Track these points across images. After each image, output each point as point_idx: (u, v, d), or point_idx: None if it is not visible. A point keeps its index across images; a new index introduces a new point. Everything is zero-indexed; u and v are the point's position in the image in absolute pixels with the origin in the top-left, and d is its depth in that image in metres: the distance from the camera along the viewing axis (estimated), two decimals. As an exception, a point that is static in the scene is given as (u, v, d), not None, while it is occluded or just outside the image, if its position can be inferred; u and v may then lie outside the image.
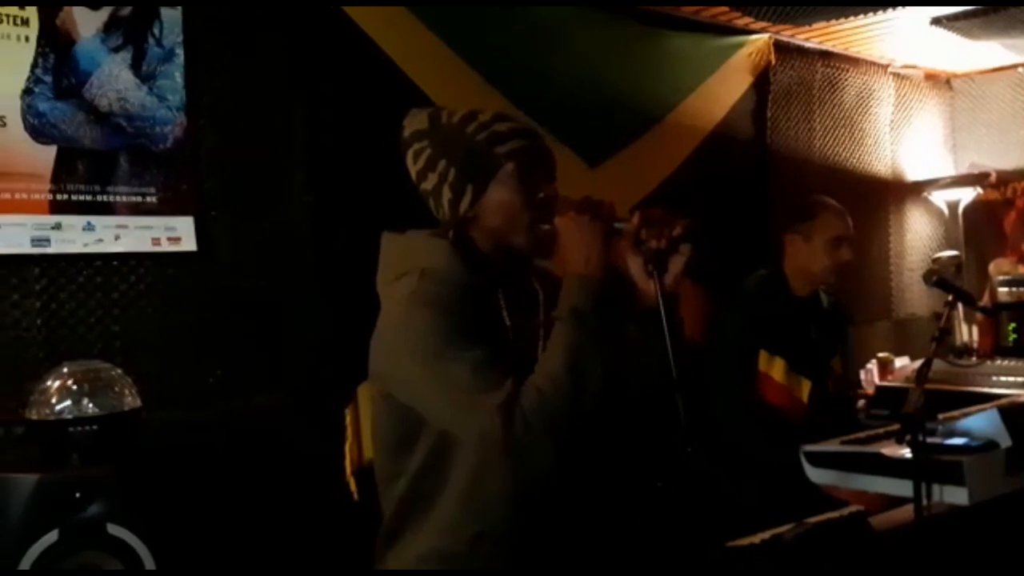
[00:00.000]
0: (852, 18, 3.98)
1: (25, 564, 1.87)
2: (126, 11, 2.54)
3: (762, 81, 4.24)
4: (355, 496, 2.84)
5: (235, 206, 2.75)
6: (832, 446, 2.15)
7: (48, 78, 2.41)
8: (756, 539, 1.83)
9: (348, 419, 2.88)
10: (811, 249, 2.80)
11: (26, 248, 2.37)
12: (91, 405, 2.03)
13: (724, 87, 4.04)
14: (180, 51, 2.63)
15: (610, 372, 1.61)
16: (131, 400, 2.11)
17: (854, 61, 4.76)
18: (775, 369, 2.78)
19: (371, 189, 2.90)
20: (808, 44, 4.46)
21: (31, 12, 2.38)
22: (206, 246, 2.66)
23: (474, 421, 1.54)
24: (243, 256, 2.75)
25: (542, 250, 1.78)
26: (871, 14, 3.91)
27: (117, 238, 2.51)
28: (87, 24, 2.47)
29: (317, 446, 2.80)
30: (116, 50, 2.52)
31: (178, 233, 2.62)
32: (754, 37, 4.15)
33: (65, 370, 2.10)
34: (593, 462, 1.84)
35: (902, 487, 1.85)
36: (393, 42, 2.93)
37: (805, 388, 2.80)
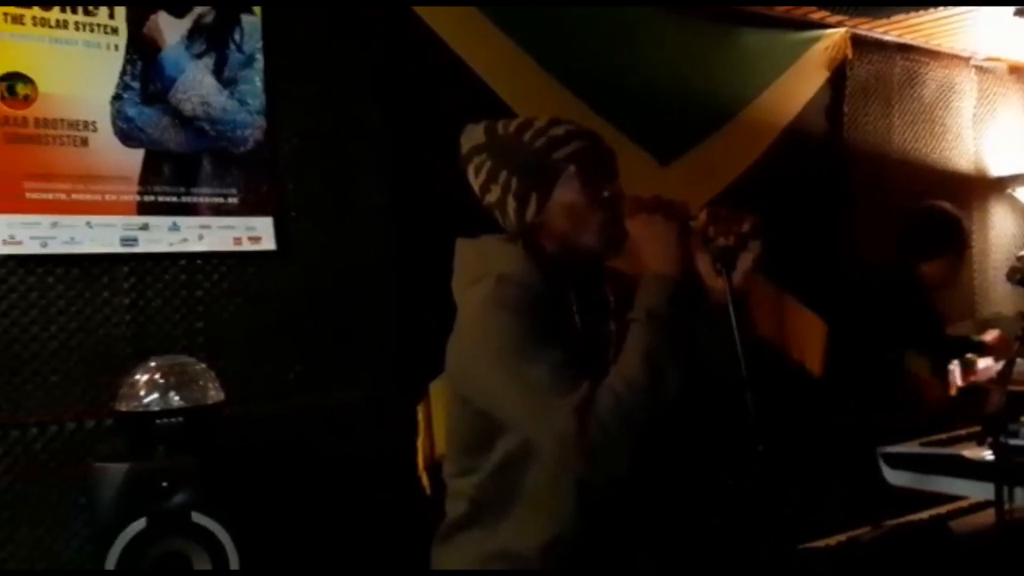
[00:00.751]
0: (932, 11, 3.87)
1: (116, 549, 1.96)
2: (209, 18, 2.63)
3: (838, 76, 4.15)
4: (427, 490, 2.89)
5: (313, 207, 2.82)
6: (911, 448, 2.11)
7: (136, 84, 2.51)
8: (831, 541, 1.81)
9: (420, 415, 2.93)
10: (951, 265, 2.87)
11: (116, 248, 2.47)
12: (177, 398, 2.11)
13: (799, 83, 3.97)
14: (260, 56, 2.71)
15: (685, 373, 1.61)
16: (214, 394, 2.19)
17: (934, 54, 4.63)
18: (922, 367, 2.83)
19: (445, 190, 2.94)
20: (886, 38, 4.36)
21: (120, 22, 2.48)
22: (285, 246, 2.74)
23: (550, 424, 1.54)
24: (320, 256, 2.82)
25: (612, 249, 1.78)
26: (952, 7, 3.81)
27: (201, 238, 2.60)
28: (172, 32, 2.57)
29: (391, 441, 2.86)
30: (199, 56, 2.61)
31: (258, 233, 2.70)
32: (830, 31, 4.08)
33: (152, 364, 2.19)
34: (667, 465, 1.84)
35: (983, 490, 1.81)
36: (465, 44, 2.96)
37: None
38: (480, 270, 1.71)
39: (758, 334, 1.75)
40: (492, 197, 1.76)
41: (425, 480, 2.88)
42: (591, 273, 1.83)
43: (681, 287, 1.63)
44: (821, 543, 1.83)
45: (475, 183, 1.79)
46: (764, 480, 1.73)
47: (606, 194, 1.72)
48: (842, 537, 1.84)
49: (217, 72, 2.64)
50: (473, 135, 1.79)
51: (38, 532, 2.35)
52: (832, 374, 3.41)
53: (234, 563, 2.02)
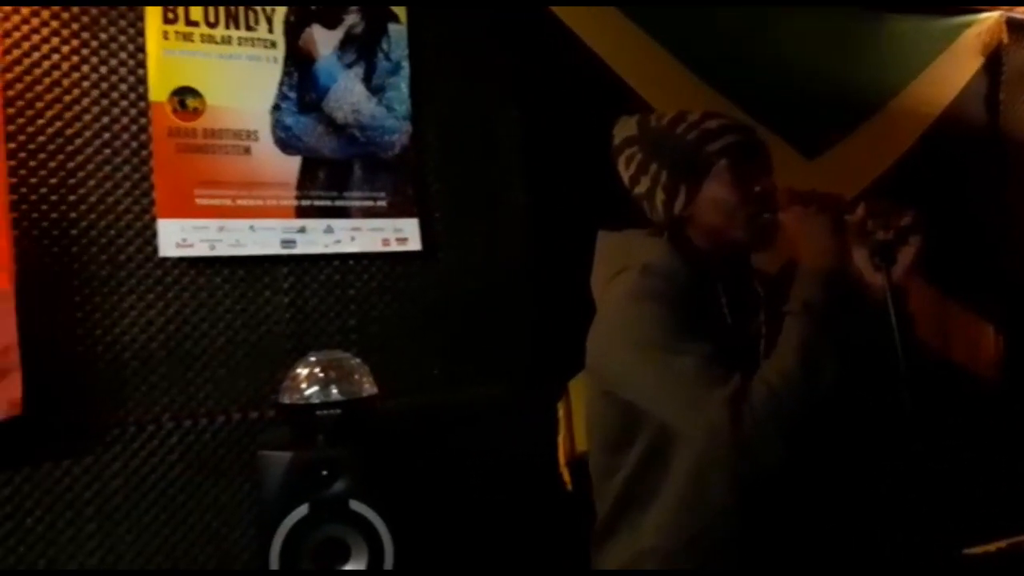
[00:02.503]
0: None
1: (280, 534, 2.07)
2: (358, 29, 2.74)
3: (993, 62, 3.93)
4: (568, 486, 2.92)
5: (456, 208, 2.90)
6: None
7: (293, 95, 2.65)
8: (992, 547, 1.73)
9: (561, 412, 2.96)
10: None
11: (276, 249, 2.61)
12: (335, 391, 2.21)
13: (951, 70, 3.78)
14: (406, 63, 2.80)
15: (841, 368, 1.58)
16: (369, 387, 2.28)
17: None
18: None
19: (584, 189, 2.97)
20: (1047, 20, 4.10)
21: (278, 35, 2.62)
22: (430, 246, 2.82)
23: (700, 416, 1.53)
24: (463, 255, 2.89)
25: (762, 245, 1.77)
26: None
27: (353, 239, 2.72)
28: (325, 43, 2.69)
29: (532, 437, 2.91)
30: (350, 66, 2.73)
31: (405, 234, 2.79)
32: (983, 16, 3.87)
33: (312, 359, 2.30)
34: (822, 461, 1.80)
35: None
36: (602, 41, 2.97)
37: None
38: (624, 262, 1.72)
39: (918, 333, 1.69)
40: (641, 189, 1.77)
41: (566, 476, 2.91)
42: (739, 267, 1.82)
43: (838, 280, 1.60)
44: (984, 548, 1.75)
45: (625, 174, 1.80)
46: (920, 482, 1.68)
47: (758, 189, 1.71)
48: (1002, 543, 1.76)
49: (366, 80, 2.75)
50: (625, 127, 1.81)
51: (207, 518, 2.50)
52: (1009, 380, 3.25)
53: (389, 551, 2.10)
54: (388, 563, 2.10)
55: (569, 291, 2.13)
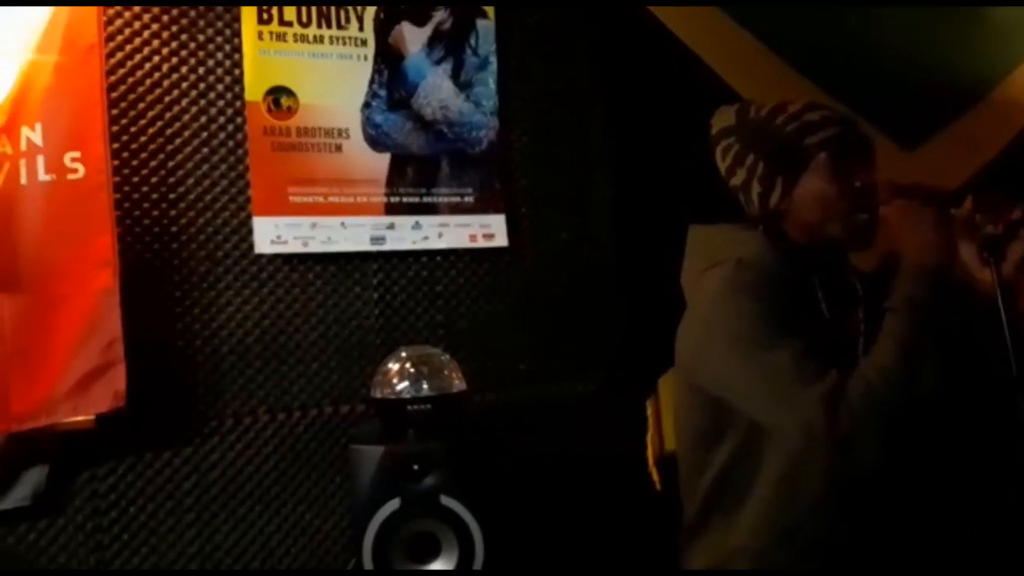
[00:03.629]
0: None
1: (373, 527, 2.09)
2: (447, 25, 2.75)
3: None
4: (657, 486, 2.88)
5: (543, 204, 2.89)
6: None
7: (383, 92, 2.67)
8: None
9: (649, 411, 2.92)
10: None
11: (366, 246, 2.65)
12: (426, 386, 2.22)
13: (1057, 57, 3.61)
14: (493, 59, 2.81)
15: (945, 366, 1.52)
16: (459, 383, 2.29)
17: None
18: None
19: (671, 185, 2.93)
20: None
21: (368, 33, 2.65)
22: (517, 242, 2.82)
23: (794, 413, 1.50)
24: (549, 251, 2.89)
25: (860, 240, 1.71)
26: None
27: (440, 235, 2.73)
28: (414, 40, 2.71)
29: (620, 435, 2.88)
30: (438, 62, 2.75)
31: (492, 230, 2.80)
32: (1094, -2, 3.68)
33: (403, 354, 2.32)
34: (923, 463, 1.74)
35: None
36: (697, 36, 2.93)
37: None
38: (717, 255, 1.69)
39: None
40: (737, 180, 1.74)
41: (655, 476, 2.88)
42: (836, 262, 1.77)
43: (943, 276, 1.55)
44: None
45: (721, 165, 1.77)
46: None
47: (858, 184, 1.66)
48: None
49: (454, 76, 2.76)
50: (723, 117, 1.77)
51: (301, 508, 2.55)
52: None
53: (479, 546, 2.11)
54: (478, 559, 2.10)
55: (658, 287, 2.10)
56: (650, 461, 2.90)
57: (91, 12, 2.24)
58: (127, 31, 2.42)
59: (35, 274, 2.20)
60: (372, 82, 2.66)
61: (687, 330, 1.75)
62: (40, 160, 2.19)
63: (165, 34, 2.46)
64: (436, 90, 2.73)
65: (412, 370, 2.25)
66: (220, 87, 2.52)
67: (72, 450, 2.31)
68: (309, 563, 2.54)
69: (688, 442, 1.82)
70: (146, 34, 2.44)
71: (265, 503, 2.51)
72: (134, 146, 2.42)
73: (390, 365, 2.29)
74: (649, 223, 2.90)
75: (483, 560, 2.11)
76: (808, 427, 1.48)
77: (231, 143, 2.53)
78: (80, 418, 2.27)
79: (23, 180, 2.18)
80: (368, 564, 2.10)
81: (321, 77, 2.60)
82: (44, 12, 2.21)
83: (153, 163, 2.45)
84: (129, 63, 2.42)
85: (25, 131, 2.19)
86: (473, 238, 2.77)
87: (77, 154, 2.21)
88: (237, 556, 2.47)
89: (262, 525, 2.50)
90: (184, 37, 2.48)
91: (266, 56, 2.54)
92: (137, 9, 2.42)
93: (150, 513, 2.40)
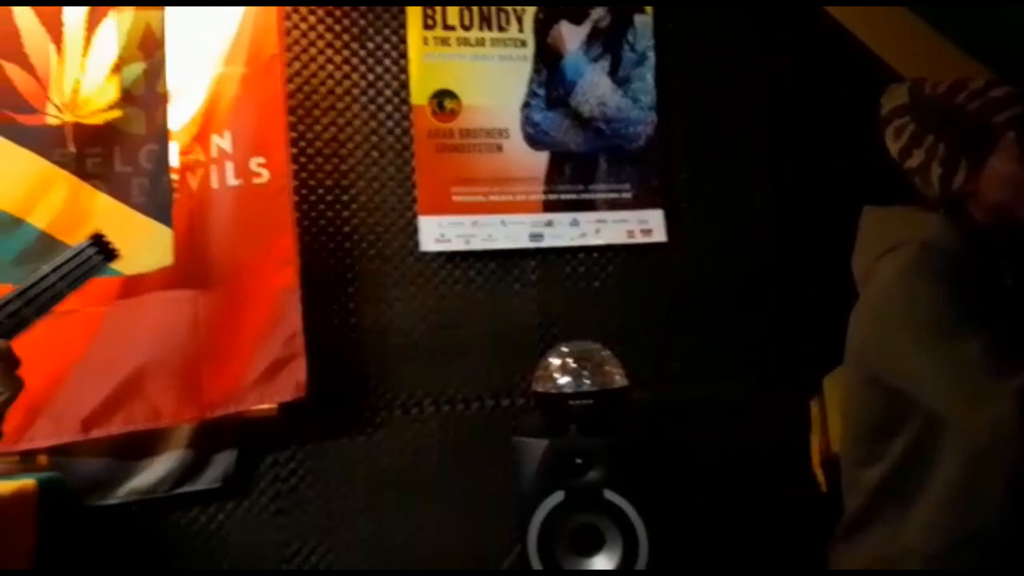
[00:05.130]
0: None
1: (537, 519, 2.14)
2: (604, 22, 2.77)
3: None
4: (822, 487, 2.81)
5: (702, 199, 2.86)
6: None
7: (542, 91, 2.72)
8: None
9: (814, 410, 2.85)
10: None
11: (525, 243, 2.70)
12: (588, 382, 2.25)
13: None
14: (651, 54, 2.80)
15: None
16: (620, 379, 2.30)
17: None
18: None
19: (834, 172, 2.85)
20: None
21: (528, 34, 2.70)
22: (675, 237, 2.80)
23: (984, 408, 1.42)
24: (709, 246, 2.85)
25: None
26: None
27: (598, 232, 2.75)
28: (572, 39, 2.74)
29: (783, 434, 2.83)
30: (596, 59, 2.76)
31: (650, 225, 2.79)
32: None
33: (564, 349, 2.36)
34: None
35: None
36: (863, 24, 2.82)
37: None
38: (896, 238, 1.61)
39: None
40: (913, 162, 1.65)
41: (820, 477, 2.81)
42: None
43: None
44: None
45: (893, 147, 1.69)
46: None
47: None
48: None
49: (612, 72, 2.77)
50: (895, 95, 1.69)
51: (464, 499, 2.63)
52: None
53: (643, 541, 2.12)
54: (642, 553, 2.11)
55: (823, 280, 2.04)
56: (815, 462, 2.83)
57: (272, 26, 2.38)
58: (303, 41, 2.55)
59: (225, 272, 2.36)
60: (531, 82, 2.71)
61: (861, 317, 1.67)
62: (229, 166, 2.35)
63: (337, 43, 2.58)
64: (594, 87, 2.75)
65: (574, 365, 2.28)
66: (388, 92, 2.62)
67: (256, 436, 2.47)
68: (473, 550, 2.61)
69: (854, 434, 1.73)
70: (320, 44, 2.57)
71: (431, 492, 2.61)
72: (310, 151, 2.56)
73: (551, 360, 2.33)
74: (812, 215, 2.83)
75: (647, 555, 2.11)
76: (998, 424, 1.39)
77: (398, 146, 2.63)
78: (264, 406, 2.42)
79: (214, 185, 2.35)
80: (532, 554, 2.15)
81: (482, 79, 2.67)
82: (230, 27, 2.37)
83: (327, 167, 2.58)
84: (305, 72, 2.56)
85: (215, 139, 2.35)
86: (631, 234, 2.78)
87: (262, 159, 2.36)
88: (406, 542, 2.58)
89: (429, 512, 2.60)
90: (355, 46, 2.60)
91: (430, 60, 2.63)
92: (312, 20, 2.55)
93: (327, 497, 2.53)
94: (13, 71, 2.15)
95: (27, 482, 2.06)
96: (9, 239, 2.13)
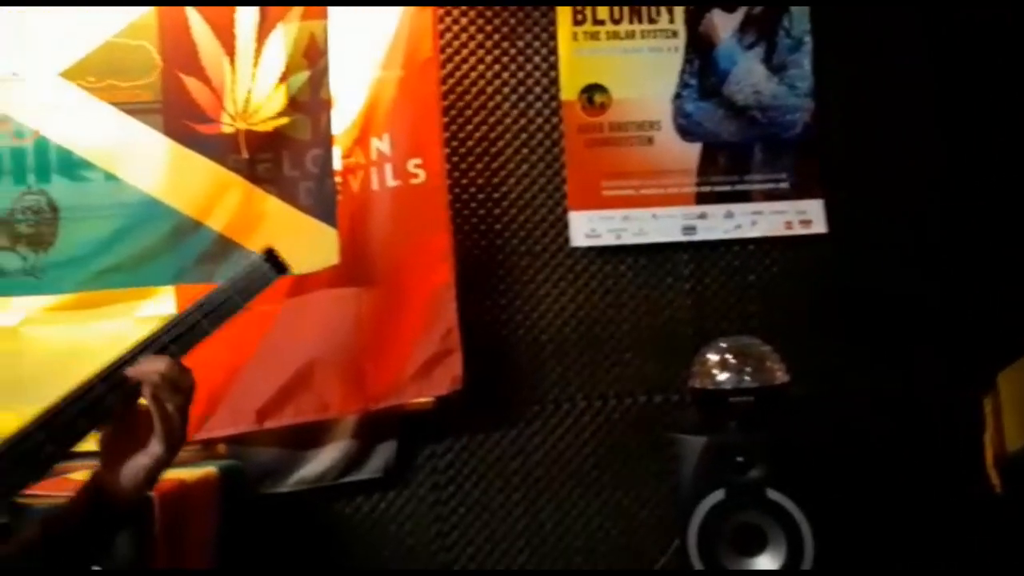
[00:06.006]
0: None
1: (696, 517, 2.11)
2: (758, 9, 2.69)
3: None
4: (997, 488, 2.65)
5: (864, 186, 2.74)
6: None
7: (694, 81, 2.67)
8: None
9: (988, 408, 2.69)
10: None
11: (677, 236, 2.66)
12: (748, 378, 2.20)
13: None
14: (808, 39, 2.70)
15: None
16: (781, 375, 2.25)
17: None
18: None
19: (1011, 155, 2.68)
20: None
21: (679, 24, 2.66)
22: (837, 228, 2.70)
23: None
24: (873, 236, 2.73)
25: None
26: None
27: (754, 224, 2.68)
28: (725, 27, 2.68)
29: (953, 433, 2.68)
30: (750, 47, 2.69)
31: (809, 216, 2.70)
32: None
33: (723, 345, 2.32)
34: None
35: None
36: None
37: None
38: None
39: None
40: None
41: (994, 478, 2.65)
42: None
43: None
44: None
45: None
46: None
47: None
48: None
49: (767, 60, 2.69)
50: None
51: (617, 495, 2.63)
52: None
53: (808, 542, 2.06)
54: (807, 555, 2.05)
55: (997, 271, 1.92)
56: (988, 461, 2.67)
57: (428, 29, 2.44)
58: (455, 43, 2.60)
59: (384, 270, 2.44)
60: (683, 72, 2.67)
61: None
62: (388, 168, 2.43)
63: (488, 43, 2.62)
64: (748, 75, 2.68)
65: (733, 361, 2.24)
66: (538, 89, 2.64)
67: (414, 429, 2.55)
68: (627, 546, 2.61)
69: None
70: (472, 45, 2.61)
71: (584, 486, 2.62)
72: (462, 150, 2.61)
73: (709, 356, 2.29)
74: (984, 201, 2.67)
75: (812, 556, 2.05)
76: None
77: (548, 142, 2.65)
78: (422, 400, 2.49)
79: (374, 186, 2.43)
80: (692, 553, 2.12)
81: (632, 72, 2.65)
82: (387, 33, 2.44)
83: (479, 165, 2.62)
84: (457, 73, 2.60)
85: (375, 142, 2.43)
86: (789, 225, 2.69)
87: (419, 160, 2.42)
88: (560, 536, 2.60)
89: (583, 507, 2.61)
90: (505, 44, 2.63)
91: (580, 55, 2.63)
92: (464, 22, 2.60)
93: (482, 490, 2.58)
94: (192, 83, 2.29)
95: (210, 470, 2.20)
96: (191, 241, 2.27)
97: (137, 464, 1.01)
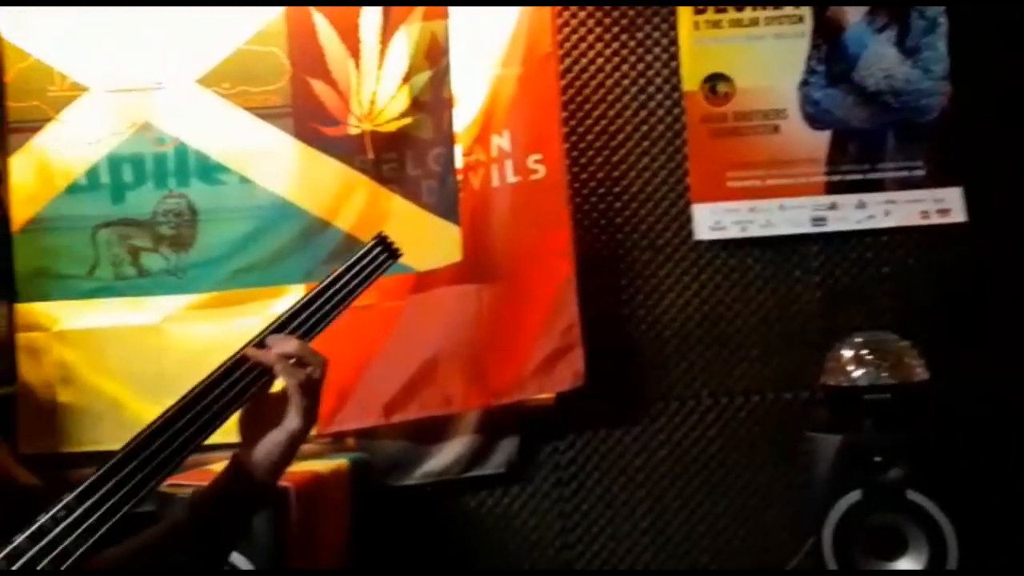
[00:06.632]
0: None
1: (832, 518, 2.04)
2: (891, -9, 2.58)
3: None
4: None
5: (1004, 173, 2.58)
6: None
7: (821, 68, 2.58)
8: None
9: None
10: None
11: (806, 228, 2.58)
12: (885, 375, 2.11)
13: None
14: (943, 19, 2.57)
15: None
16: (920, 372, 2.15)
17: None
18: None
19: None
20: None
21: (805, 10, 2.57)
22: (977, 216, 2.56)
23: None
24: (1015, 226, 2.57)
25: None
26: None
27: (887, 213, 2.57)
28: (854, 10, 2.58)
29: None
30: (881, 30, 2.58)
31: (947, 204, 2.57)
32: None
33: (857, 340, 2.23)
34: None
35: None
36: None
37: None
38: None
39: None
40: None
41: None
42: None
43: None
44: None
45: None
46: None
47: None
48: None
49: (899, 43, 2.58)
50: None
51: (744, 494, 2.56)
52: None
53: (952, 548, 1.96)
54: (951, 558, 1.95)
55: None
56: None
57: (546, 25, 2.43)
58: (573, 37, 2.59)
59: (506, 266, 2.45)
60: (810, 58, 2.58)
61: None
62: (508, 164, 2.44)
63: (607, 36, 2.60)
64: (879, 59, 2.57)
65: (869, 357, 2.15)
66: (658, 80, 2.60)
67: (536, 424, 2.55)
68: (755, 546, 2.54)
69: None
70: (590, 38, 2.59)
71: (711, 485, 2.56)
72: (582, 145, 2.59)
73: (843, 352, 2.21)
74: None
75: (957, 562, 1.95)
76: None
77: (669, 134, 2.60)
78: (544, 395, 2.49)
79: (495, 183, 2.45)
80: (827, 554, 2.05)
81: (757, 59, 2.58)
82: (505, 30, 2.45)
83: (598, 159, 2.60)
84: (575, 67, 2.59)
85: (495, 139, 2.45)
86: (925, 215, 2.57)
87: (539, 156, 2.42)
88: (686, 534, 2.56)
89: (709, 506, 2.56)
90: (624, 37, 2.60)
91: (701, 45, 2.57)
92: (582, 15, 2.58)
93: (605, 487, 2.56)
94: (319, 87, 2.36)
95: (341, 462, 2.26)
96: (320, 241, 2.34)
97: (273, 440, 1.05)
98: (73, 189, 2.36)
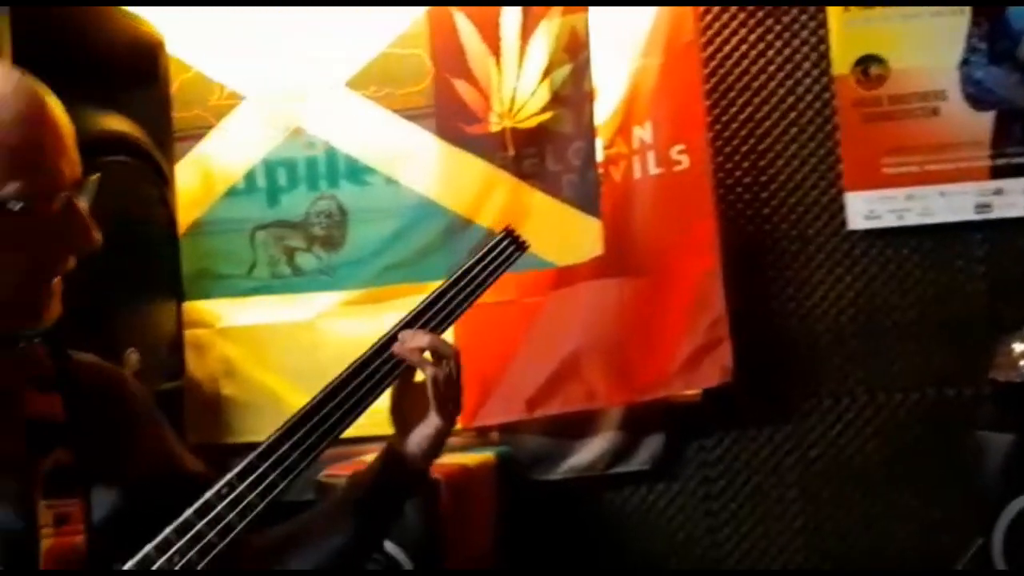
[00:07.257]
0: None
1: (1004, 519, 1.92)
2: (1062, -44, 2.40)
3: None
4: None
5: None
6: None
7: (983, 45, 2.42)
8: None
9: None
10: None
11: (969, 215, 2.43)
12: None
13: None
14: (1123, -16, 2.37)
15: None
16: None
17: None
18: None
19: None
20: None
21: (966, -14, 2.43)
22: None
23: None
24: None
25: None
26: None
27: (1059, 198, 2.40)
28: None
29: None
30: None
31: None
32: None
33: (1030, 333, 2.09)
34: None
35: None
36: None
37: None
38: None
39: None
40: None
41: None
42: None
43: None
44: None
45: None
46: None
47: None
48: None
49: (1074, 13, 2.40)
50: None
51: (906, 495, 2.44)
52: None
53: None
54: None
55: None
56: None
57: (688, 13, 2.39)
58: (716, 24, 2.53)
59: (648, 260, 2.42)
60: (970, 36, 2.43)
61: None
62: (650, 156, 2.41)
63: (751, 21, 2.52)
64: (1050, 34, 2.40)
65: (1045, 350, 2.01)
66: (807, 64, 2.51)
67: (682, 421, 2.51)
68: (915, 548, 2.42)
69: None
70: (733, 24, 2.53)
71: (867, 484, 2.46)
72: (726, 133, 2.53)
73: (1015, 346, 2.07)
74: None
75: None
76: None
77: (819, 120, 2.51)
78: (690, 392, 2.45)
79: (636, 175, 2.43)
80: (997, 559, 1.93)
81: (912, 39, 2.44)
82: (646, 19, 2.42)
83: (744, 148, 2.53)
84: (719, 55, 2.53)
85: (636, 130, 2.42)
86: (1108, 198, 2.38)
87: (682, 147, 2.38)
88: (841, 536, 2.46)
89: (866, 507, 2.45)
90: (770, 21, 2.52)
91: (852, 26, 2.46)
92: (725, 1, 2.52)
93: (755, 485, 2.50)
94: (461, 86, 2.39)
95: (488, 455, 2.29)
96: (463, 238, 2.37)
97: (421, 434, 1.08)
98: (232, 193, 2.49)
